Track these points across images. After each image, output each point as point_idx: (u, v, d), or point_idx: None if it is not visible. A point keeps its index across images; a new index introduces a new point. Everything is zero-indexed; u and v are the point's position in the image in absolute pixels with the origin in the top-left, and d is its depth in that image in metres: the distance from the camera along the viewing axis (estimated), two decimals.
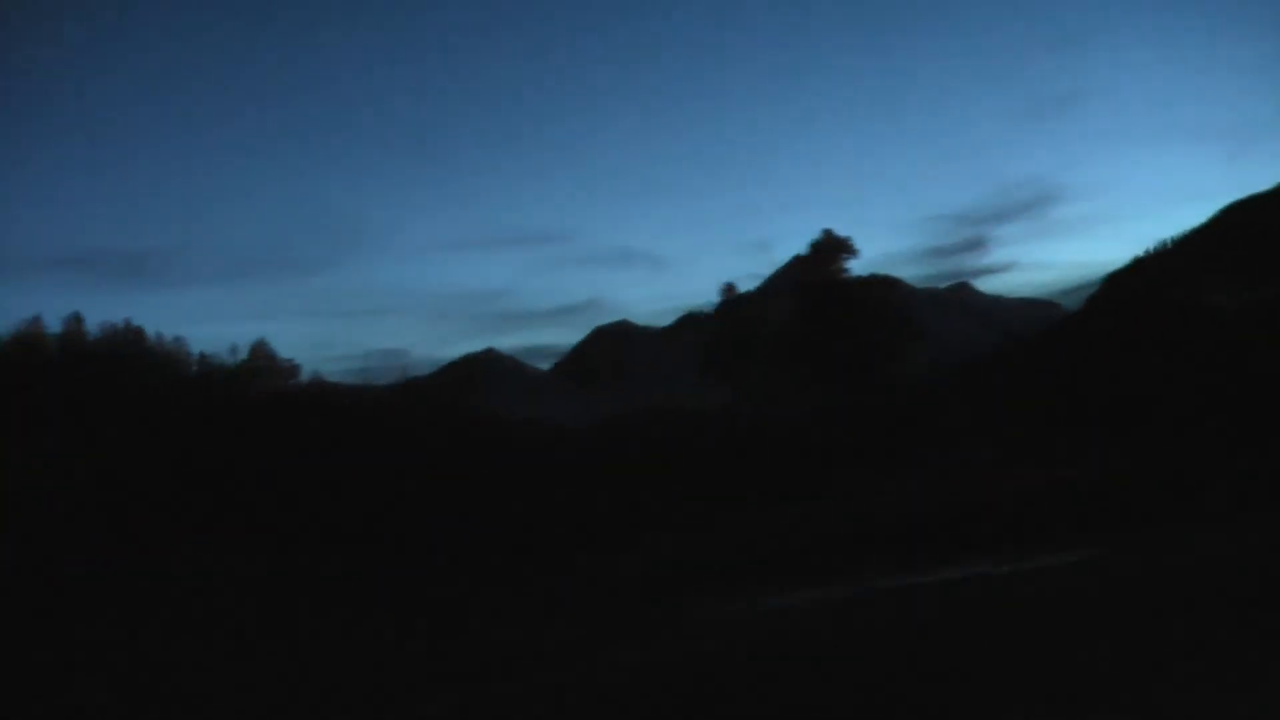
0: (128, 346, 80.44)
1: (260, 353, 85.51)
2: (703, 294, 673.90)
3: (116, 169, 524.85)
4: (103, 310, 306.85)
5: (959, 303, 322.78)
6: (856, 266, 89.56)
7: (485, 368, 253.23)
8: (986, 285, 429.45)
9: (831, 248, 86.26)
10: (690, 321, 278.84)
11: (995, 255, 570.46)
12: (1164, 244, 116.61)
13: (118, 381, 67.47)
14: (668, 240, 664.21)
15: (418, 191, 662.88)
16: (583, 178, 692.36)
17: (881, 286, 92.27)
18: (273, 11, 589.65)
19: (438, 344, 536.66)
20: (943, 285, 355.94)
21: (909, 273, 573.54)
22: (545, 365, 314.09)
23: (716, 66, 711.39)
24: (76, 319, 79.01)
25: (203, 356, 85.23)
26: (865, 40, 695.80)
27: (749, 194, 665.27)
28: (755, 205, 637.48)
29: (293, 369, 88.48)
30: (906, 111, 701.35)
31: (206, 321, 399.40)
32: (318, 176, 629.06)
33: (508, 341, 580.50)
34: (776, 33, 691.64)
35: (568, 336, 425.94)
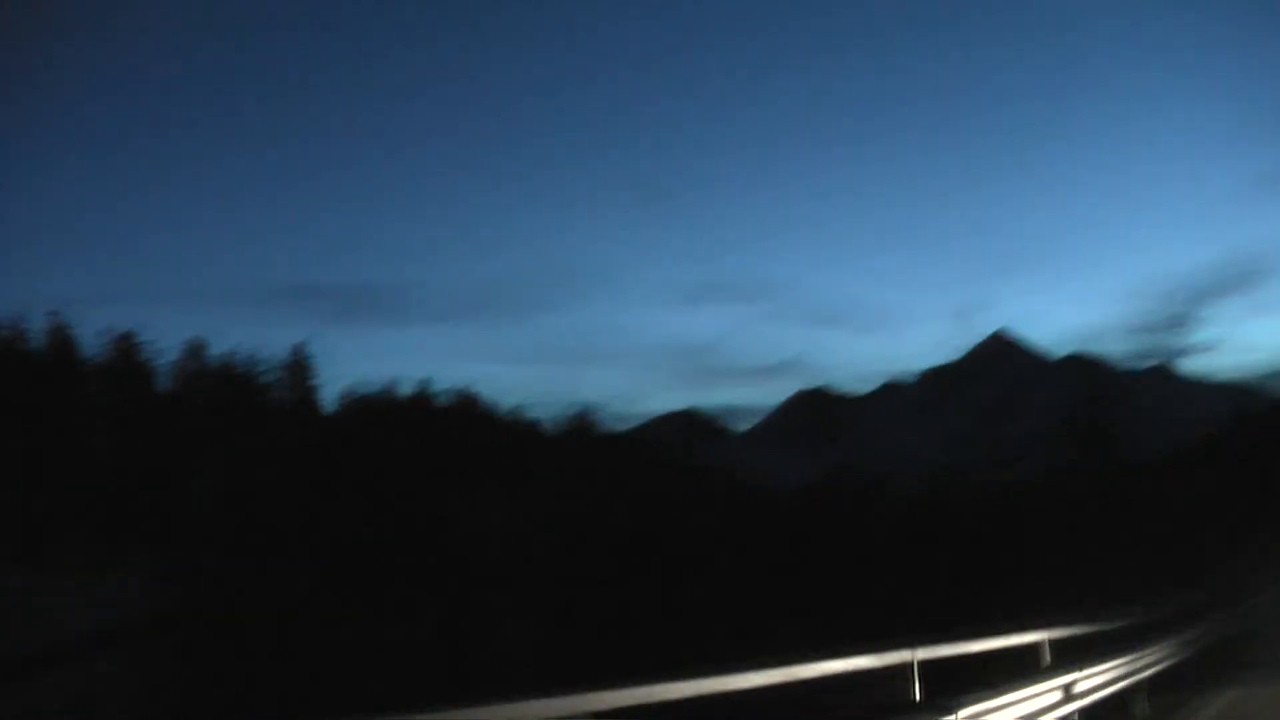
0: (472, 412, 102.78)
1: (584, 417, 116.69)
2: (907, 358, 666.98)
3: (347, 204, 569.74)
4: (326, 344, 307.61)
5: (1161, 382, 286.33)
6: (1055, 341, 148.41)
7: (686, 426, 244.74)
8: (1191, 364, 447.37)
9: None
10: (892, 389, 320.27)
11: (1200, 333, 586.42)
12: None
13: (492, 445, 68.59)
14: (875, 307, 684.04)
15: (638, 241, 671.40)
16: (796, 237, 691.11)
17: None
18: (507, 64, 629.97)
19: (640, 397, 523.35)
20: (1143, 363, 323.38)
21: (1109, 347, 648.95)
22: (743, 425, 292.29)
23: (934, 138, 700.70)
24: (425, 381, 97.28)
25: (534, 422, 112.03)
26: (1077, 109, 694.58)
27: (961, 260, 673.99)
28: (965, 276, 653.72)
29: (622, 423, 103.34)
30: (1116, 186, 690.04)
31: (424, 360, 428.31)
32: (539, 222, 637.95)
33: (709, 398, 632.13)
34: (997, 107, 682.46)
35: (768, 397, 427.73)
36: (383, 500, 44.39)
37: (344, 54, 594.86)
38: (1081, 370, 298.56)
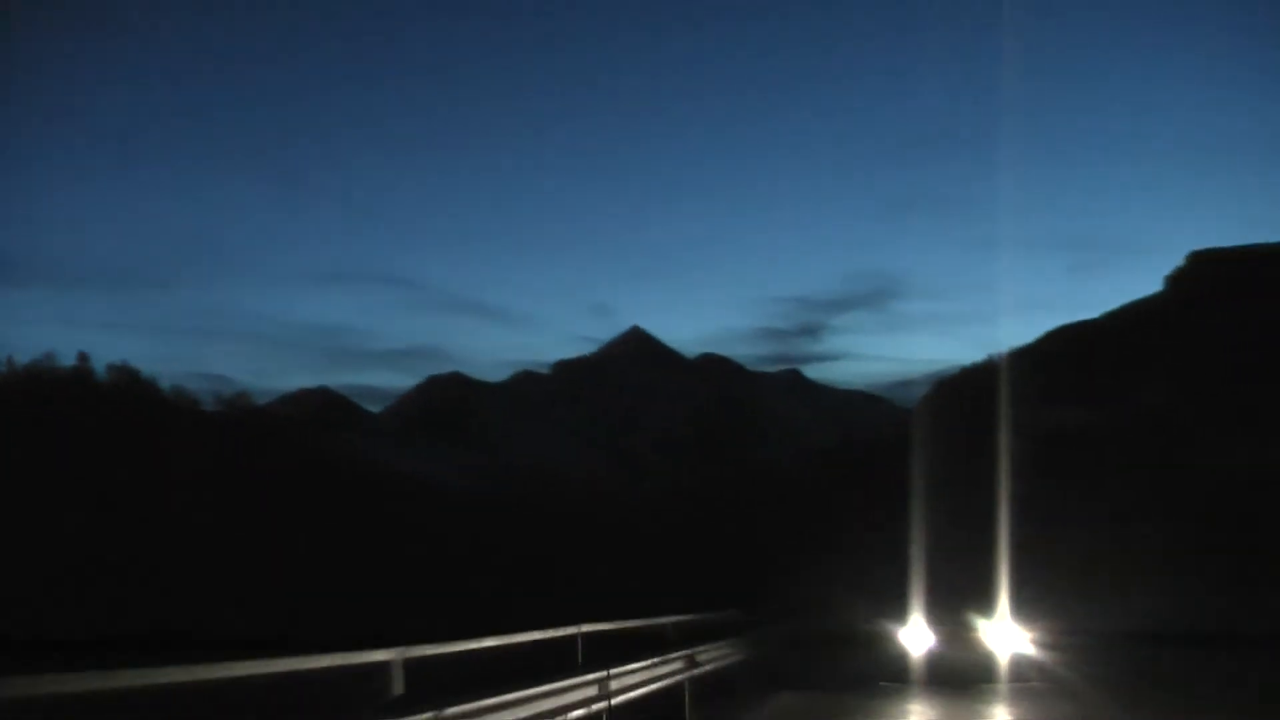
0: (134, 387, 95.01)
1: (241, 398, 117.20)
2: (543, 351, 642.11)
3: None
4: None
5: (790, 387, 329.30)
6: (690, 342, 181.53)
7: (321, 405, 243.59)
8: (819, 372, 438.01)
9: None
10: (527, 378, 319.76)
11: (830, 343, 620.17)
12: (992, 357, 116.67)
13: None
14: (512, 296, 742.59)
15: (272, 219, 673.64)
16: (436, 227, 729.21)
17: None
18: (141, 27, 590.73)
19: (273, 374, 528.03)
20: (774, 369, 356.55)
21: (742, 351, 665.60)
22: (376, 408, 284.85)
23: (578, 134, 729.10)
24: (83, 357, 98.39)
25: (179, 391, 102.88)
26: (722, 122, 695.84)
27: (600, 262, 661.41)
28: (604, 272, 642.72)
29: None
30: (759, 197, 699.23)
31: (39, 326, 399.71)
32: (169, 192, 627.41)
33: (343, 379, 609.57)
34: (642, 110, 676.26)
35: (403, 381, 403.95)
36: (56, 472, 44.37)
37: None
38: (715, 369, 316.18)
